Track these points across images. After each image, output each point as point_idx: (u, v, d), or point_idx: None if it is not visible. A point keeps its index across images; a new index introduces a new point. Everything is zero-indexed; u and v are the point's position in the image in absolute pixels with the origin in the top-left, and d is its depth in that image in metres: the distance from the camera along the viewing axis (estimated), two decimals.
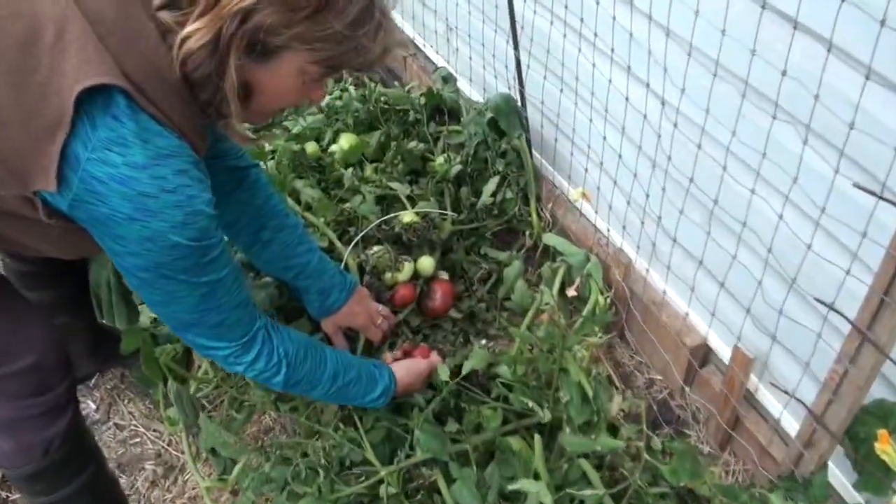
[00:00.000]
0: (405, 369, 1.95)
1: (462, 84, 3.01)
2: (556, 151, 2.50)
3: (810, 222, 1.53)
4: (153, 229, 1.26)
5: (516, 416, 2.01)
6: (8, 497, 2.21)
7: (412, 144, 2.74)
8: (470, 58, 2.84)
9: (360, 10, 1.29)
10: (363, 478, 1.95)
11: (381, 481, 1.92)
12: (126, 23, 1.23)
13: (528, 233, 2.61)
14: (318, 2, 1.24)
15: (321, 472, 1.90)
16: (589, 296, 2.21)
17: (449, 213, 2.52)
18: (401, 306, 2.32)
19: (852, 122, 1.30)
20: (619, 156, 2.09)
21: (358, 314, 2.09)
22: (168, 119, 1.27)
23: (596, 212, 2.36)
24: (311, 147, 2.71)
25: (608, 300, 2.22)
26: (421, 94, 2.89)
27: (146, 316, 2.21)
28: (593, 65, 2.05)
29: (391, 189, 2.59)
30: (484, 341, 2.38)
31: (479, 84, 2.85)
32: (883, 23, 1.20)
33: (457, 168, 2.62)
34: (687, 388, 2.15)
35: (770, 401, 1.91)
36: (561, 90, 2.28)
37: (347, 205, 2.52)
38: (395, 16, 3.28)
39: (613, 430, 1.89)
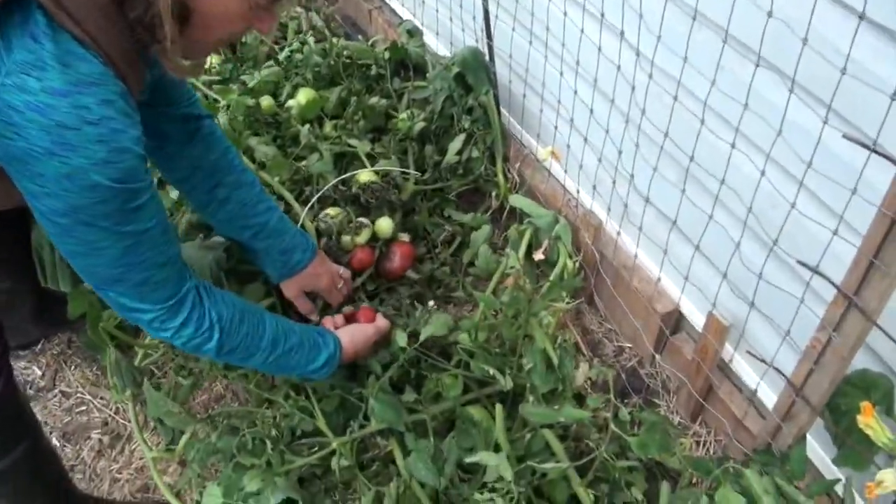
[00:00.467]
0: (350, 335, 1.85)
1: (429, 38, 2.90)
2: (524, 108, 2.39)
3: (793, 180, 1.43)
4: (72, 166, 1.15)
5: (478, 384, 1.93)
6: None
7: (374, 100, 2.64)
8: (437, 10, 2.72)
9: None
10: (316, 448, 1.88)
11: (333, 452, 1.84)
12: None
13: (494, 194, 2.51)
14: None
15: (269, 443, 1.81)
16: (557, 260, 2.12)
17: (412, 172, 2.41)
18: (359, 270, 2.24)
19: (843, 68, 1.19)
20: (591, 111, 1.98)
21: (321, 275, 2.00)
22: (93, 41, 1.15)
23: (565, 171, 2.26)
24: (266, 102, 2.59)
25: (577, 264, 2.13)
26: (385, 49, 2.77)
27: None
28: (564, 13, 1.93)
29: (351, 147, 2.47)
30: (431, 302, 2.30)
31: (446, 38, 2.73)
32: None
33: (420, 125, 2.51)
34: (657, 356, 2.06)
35: (746, 370, 1.83)
36: (530, 42, 2.16)
37: (304, 163, 2.41)
38: None
39: (580, 400, 1.81)
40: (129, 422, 2.17)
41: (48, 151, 1.13)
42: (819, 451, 1.67)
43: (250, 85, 2.66)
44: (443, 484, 1.67)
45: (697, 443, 1.99)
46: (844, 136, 1.14)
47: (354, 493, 1.95)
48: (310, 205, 2.22)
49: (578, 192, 2.21)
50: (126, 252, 1.31)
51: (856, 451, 1.43)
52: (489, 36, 2.34)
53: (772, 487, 1.44)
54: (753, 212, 1.56)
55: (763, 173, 1.46)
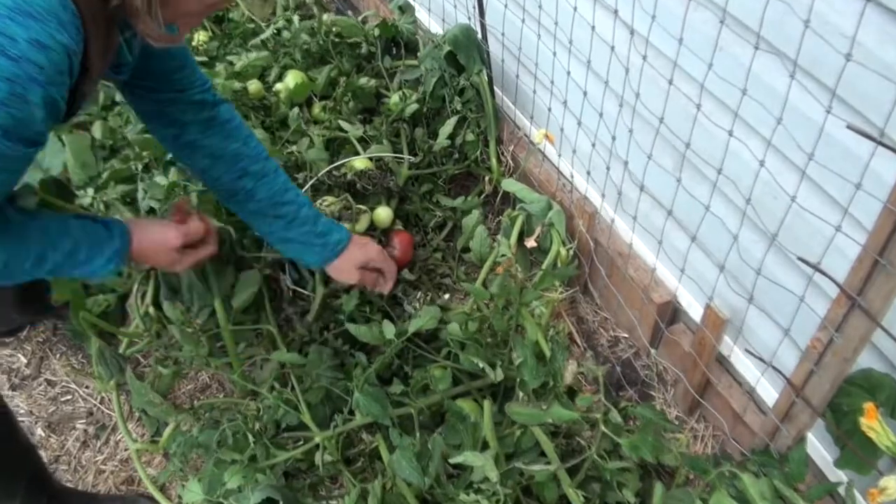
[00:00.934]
0: (145, 229, 1.60)
1: (421, 14, 2.82)
2: (517, 89, 2.31)
3: (795, 170, 1.36)
4: None
5: (468, 376, 1.87)
6: None
7: (364, 80, 2.56)
8: None
9: None
10: (301, 442, 1.82)
11: (318, 446, 1.79)
12: None
13: (487, 178, 2.43)
14: None
15: (252, 437, 1.75)
16: (550, 247, 2.05)
17: (406, 156, 2.34)
18: None
19: (848, 54, 1.11)
20: (584, 93, 1.90)
21: (366, 244, 1.93)
22: None
23: (559, 155, 2.19)
24: (253, 86, 2.52)
25: (571, 252, 2.06)
26: (375, 26, 2.68)
27: None
28: None
29: (342, 131, 2.40)
30: (419, 293, 2.23)
31: (438, 14, 2.65)
32: None
33: (413, 107, 2.44)
34: (653, 350, 2.00)
35: (745, 365, 1.77)
36: (523, 20, 2.08)
37: (294, 147, 2.35)
38: None
39: (571, 394, 1.75)
40: (114, 412, 2.12)
41: None
42: (822, 450, 1.61)
43: (237, 68, 2.59)
44: (427, 483, 1.61)
45: (695, 437, 1.93)
46: (848, 127, 1.06)
47: (341, 488, 1.90)
48: (303, 191, 2.14)
49: (573, 177, 2.14)
50: None
51: (858, 453, 1.36)
52: (482, 13, 2.25)
53: (769, 491, 1.39)
54: (753, 202, 1.49)
55: (762, 163, 1.39)
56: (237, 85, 2.47)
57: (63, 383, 2.28)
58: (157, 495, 1.93)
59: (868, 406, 1.30)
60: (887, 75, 1.10)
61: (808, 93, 1.24)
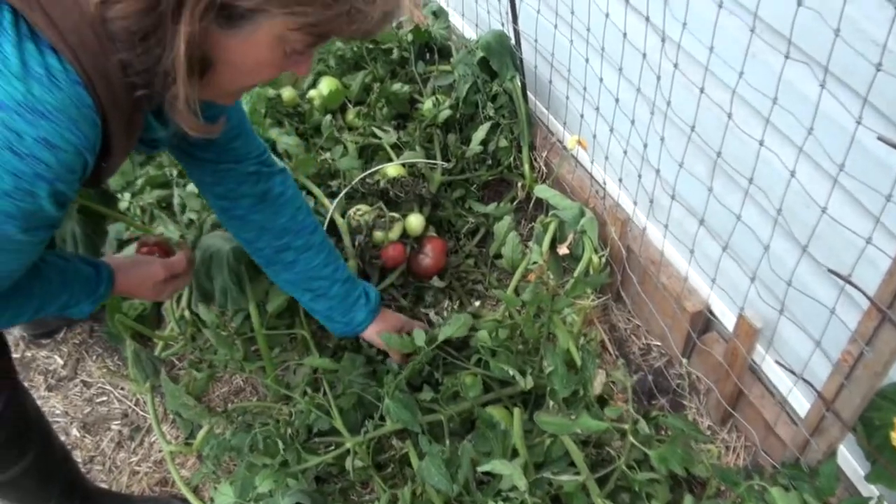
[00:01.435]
0: (129, 270, 1.61)
1: (454, 19, 2.82)
2: (551, 94, 2.30)
3: (827, 179, 1.33)
4: None
5: (499, 383, 1.87)
6: None
7: (398, 86, 2.57)
8: None
9: None
10: (332, 447, 1.84)
11: (349, 452, 1.81)
12: None
13: (520, 184, 2.43)
14: None
15: (280, 442, 1.77)
16: (582, 254, 2.04)
17: (439, 162, 2.35)
18: (392, 267, 2.20)
19: (879, 63, 1.09)
20: (616, 99, 1.89)
21: (388, 318, 1.95)
22: (75, 58, 0.99)
23: (592, 161, 2.17)
24: (287, 93, 2.54)
25: (603, 259, 2.04)
26: (408, 31, 2.69)
27: None
28: None
29: (375, 137, 2.42)
30: (447, 302, 2.23)
31: (471, 19, 2.65)
32: None
33: (446, 113, 2.45)
34: (684, 359, 1.98)
35: (777, 374, 1.74)
36: (556, 25, 2.07)
37: (328, 154, 2.37)
38: None
39: (602, 403, 1.74)
40: (149, 414, 2.15)
41: None
42: (854, 463, 1.58)
43: None
44: (456, 490, 1.61)
45: (727, 448, 1.90)
46: (879, 139, 1.05)
47: (372, 493, 1.91)
48: (337, 200, 2.18)
49: (605, 183, 2.12)
50: None
51: (889, 468, 1.34)
52: (514, 19, 2.25)
53: None
54: (785, 211, 1.46)
55: (793, 174, 1.36)
56: (271, 92, 2.49)
57: (99, 385, 2.31)
58: (191, 497, 1.96)
59: None
60: None
61: (839, 102, 1.22)
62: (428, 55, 2.75)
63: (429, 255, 2.21)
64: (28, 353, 2.38)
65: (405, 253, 2.20)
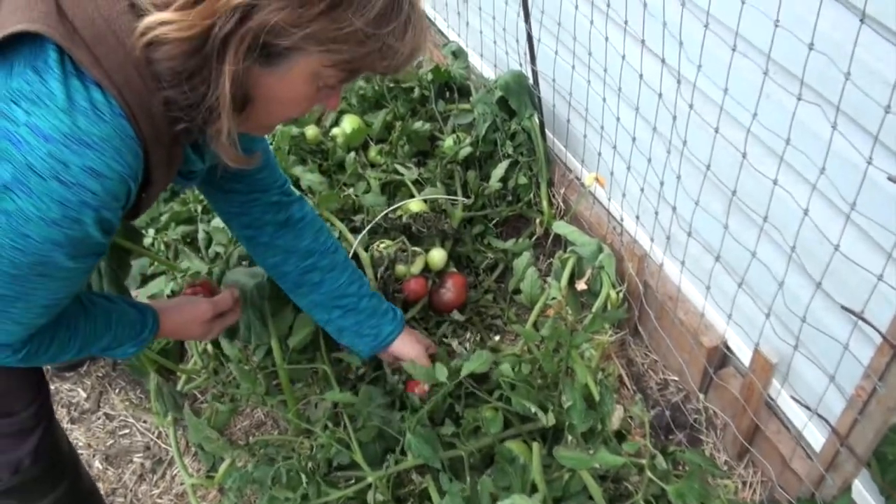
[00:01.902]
0: (174, 312, 1.67)
1: (473, 59, 2.88)
2: (568, 132, 2.35)
3: (840, 216, 1.36)
4: (19, 206, 1.04)
5: (519, 418, 1.89)
6: None
7: (419, 124, 2.63)
8: (481, 31, 2.70)
9: (385, 4, 1.07)
10: (352, 481, 1.86)
11: (370, 486, 1.82)
12: None
13: (538, 220, 2.47)
14: None
15: (303, 475, 1.79)
16: (600, 290, 2.07)
17: (460, 199, 2.39)
18: (413, 301, 2.23)
19: (888, 105, 1.13)
20: (633, 138, 1.93)
21: (413, 333, 2.00)
22: (119, 94, 1.04)
23: (609, 198, 2.21)
24: (311, 131, 2.60)
25: (620, 295, 2.07)
26: (429, 71, 2.75)
27: None
28: (606, 38, 1.88)
29: (397, 174, 2.47)
30: (468, 334, 2.26)
31: (490, 59, 2.71)
32: None
33: (466, 150, 2.50)
34: (700, 395, 2.00)
35: (793, 409, 1.76)
36: (573, 66, 2.12)
37: (351, 190, 2.42)
38: None
39: (620, 437, 1.76)
40: (171, 447, 2.17)
41: (3, 185, 1.02)
42: (869, 498, 1.58)
43: None
44: None
45: (744, 483, 1.91)
46: (889, 178, 1.07)
47: None
48: (361, 235, 2.22)
49: (622, 220, 2.16)
50: (3, 300, 1.17)
51: None
52: (533, 60, 2.30)
53: None
54: (800, 247, 1.49)
55: (806, 212, 1.39)
56: (295, 130, 2.55)
57: (121, 417, 2.33)
58: None
59: None
60: None
61: (849, 142, 1.25)
62: (447, 94, 2.80)
63: (450, 290, 2.25)
64: (52, 386, 2.41)
65: (427, 287, 2.24)
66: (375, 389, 1.97)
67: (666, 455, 1.75)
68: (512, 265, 2.37)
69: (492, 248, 2.45)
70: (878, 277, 1.24)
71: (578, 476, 1.69)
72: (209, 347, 2.23)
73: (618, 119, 1.98)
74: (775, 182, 1.45)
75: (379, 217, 2.27)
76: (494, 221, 2.50)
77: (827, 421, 1.44)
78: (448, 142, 2.56)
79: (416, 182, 2.46)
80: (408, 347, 1.95)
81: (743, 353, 1.88)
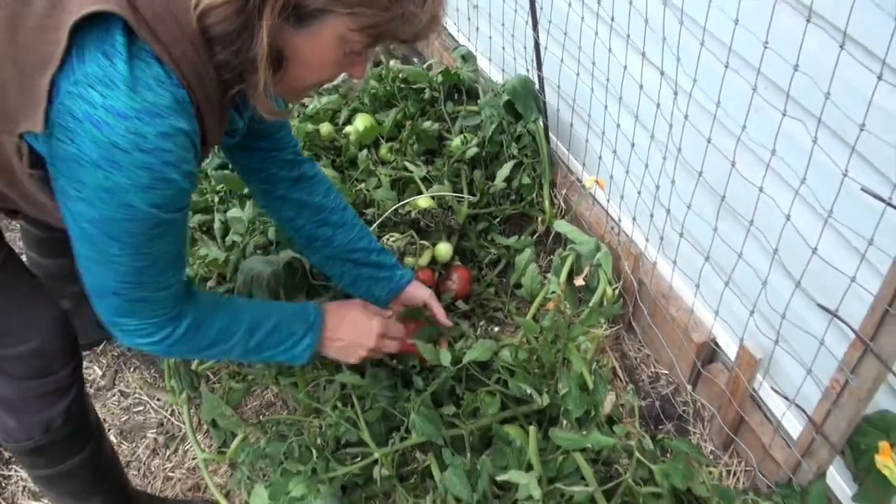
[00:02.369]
0: (342, 306, 1.84)
1: (482, 63, 2.96)
2: (571, 136, 2.45)
3: (819, 222, 1.47)
4: (114, 182, 1.18)
5: (515, 402, 1.98)
6: (10, 475, 2.24)
7: (428, 124, 2.71)
8: (490, 37, 2.79)
9: None
10: (359, 458, 1.94)
11: (375, 462, 1.90)
12: None
13: (540, 219, 2.57)
14: None
15: (314, 451, 1.89)
16: (597, 286, 2.16)
17: (466, 196, 2.49)
18: None
19: (863, 121, 1.24)
20: (632, 144, 2.04)
21: (421, 285, 2.08)
22: (176, 67, 1.18)
23: (608, 200, 2.31)
24: (325, 128, 2.70)
25: (616, 291, 2.17)
26: (438, 73, 2.85)
27: None
28: (609, 49, 1.99)
29: (407, 171, 2.56)
30: (466, 325, 2.35)
31: (498, 64, 2.80)
32: None
33: (473, 150, 2.59)
34: (689, 387, 2.10)
35: (775, 401, 1.86)
36: (578, 73, 2.22)
37: (363, 185, 2.51)
38: None
39: (611, 423, 1.86)
40: (184, 424, 2.25)
41: (94, 163, 1.16)
42: (842, 484, 1.69)
43: (309, 111, 2.77)
44: (475, 499, 1.73)
45: (728, 472, 2.01)
46: (863, 189, 1.19)
47: None
48: (372, 228, 2.31)
49: (620, 220, 2.26)
50: (137, 272, 1.33)
51: (874, 490, 1.46)
52: (539, 66, 2.40)
53: None
54: (784, 249, 1.60)
55: (788, 217, 1.51)
56: (310, 127, 2.65)
57: (136, 395, 2.40)
58: (224, 501, 2.05)
59: (883, 445, 1.38)
60: None
61: (828, 155, 1.36)
62: (456, 96, 2.89)
63: (455, 282, 2.35)
64: None
65: (434, 278, 2.34)
66: (382, 371, 2.07)
67: (655, 442, 1.84)
68: (514, 261, 2.46)
69: (495, 244, 2.55)
70: (851, 279, 1.35)
71: (571, 458, 1.78)
72: None
73: (618, 125, 2.08)
74: (761, 189, 1.57)
75: (389, 211, 2.36)
76: (498, 219, 2.60)
77: (804, 411, 1.54)
78: (456, 142, 2.65)
79: (424, 179, 2.55)
80: (421, 289, 2.05)
81: (730, 348, 1.97)
